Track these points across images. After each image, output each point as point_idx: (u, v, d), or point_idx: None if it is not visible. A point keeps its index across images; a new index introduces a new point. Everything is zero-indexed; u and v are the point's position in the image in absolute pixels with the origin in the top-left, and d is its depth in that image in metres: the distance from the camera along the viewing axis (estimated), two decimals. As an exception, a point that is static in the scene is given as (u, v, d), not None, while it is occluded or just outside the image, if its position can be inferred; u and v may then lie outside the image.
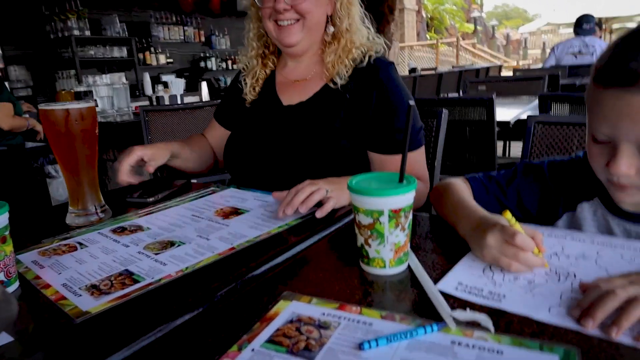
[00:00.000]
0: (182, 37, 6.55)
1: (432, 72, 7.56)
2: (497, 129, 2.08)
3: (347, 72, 1.15)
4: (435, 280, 0.61)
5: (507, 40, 22.35)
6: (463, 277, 0.61)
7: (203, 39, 6.89)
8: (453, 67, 10.38)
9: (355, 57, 1.16)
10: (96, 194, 0.91)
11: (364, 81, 1.14)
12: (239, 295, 0.61)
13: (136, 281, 0.65)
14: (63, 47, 4.98)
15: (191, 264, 0.70)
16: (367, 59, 1.16)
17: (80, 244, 0.80)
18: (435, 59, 13.61)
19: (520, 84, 3.30)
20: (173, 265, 0.69)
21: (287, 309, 0.55)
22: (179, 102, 3.95)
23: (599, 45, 5.10)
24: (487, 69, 8.56)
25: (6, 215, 0.63)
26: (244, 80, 1.28)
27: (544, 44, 19.20)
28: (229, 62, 7.11)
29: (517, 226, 0.62)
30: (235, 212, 0.93)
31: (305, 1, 1.11)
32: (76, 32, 4.89)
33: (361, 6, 1.22)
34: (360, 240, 0.64)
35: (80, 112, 0.86)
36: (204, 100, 4.15)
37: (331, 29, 1.19)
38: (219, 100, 1.53)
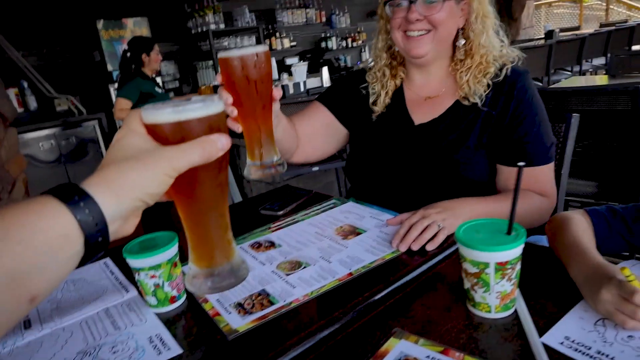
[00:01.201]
0: (305, 20, 6.78)
1: (573, 35, 6.69)
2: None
3: (484, 91, 1.12)
4: (543, 331, 0.63)
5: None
6: (571, 330, 0.63)
7: (324, 19, 7.04)
8: (601, 24, 9.05)
9: (491, 74, 1.13)
10: (273, 146, 0.84)
11: (500, 95, 1.12)
12: (354, 325, 0.71)
13: (272, 302, 0.78)
14: (202, 40, 5.54)
15: (315, 288, 0.81)
16: (503, 72, 1.13)
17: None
18: (579, 16, 11.95)
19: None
20: (300, 288, 0.82)
21: (396, 348, 0.63)
22: (302, 89, 4.17)
23: None
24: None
25: (176, 246, 0.80)
26: (372, 89, 1.27)
27: None
28: (349, 40, 7.19)
29: (636, 283, 0.60)
30: (354, 231, 1.03)
31: (440, 11, 1.09)
32: (212, 26, 5.39)
33: (496, 18, 1.17)
34: (467, 284, 0.69)
35: (256, 55, 0.76)
36: (325, 85, 4.32)
37: (462, 42, 1.16)
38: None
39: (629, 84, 1.81)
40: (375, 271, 0.86)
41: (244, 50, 0.75)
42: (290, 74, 4.55)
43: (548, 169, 1.13)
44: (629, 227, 0.81)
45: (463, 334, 0.65)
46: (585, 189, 2.25)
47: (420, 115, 1.21)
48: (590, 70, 6.12)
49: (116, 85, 4.52)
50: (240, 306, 0.78)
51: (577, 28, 9.28)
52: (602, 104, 1.92)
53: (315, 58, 6.75)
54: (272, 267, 0.91)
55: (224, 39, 5.61)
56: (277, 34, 6.35)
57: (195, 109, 0.46)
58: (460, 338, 0.64)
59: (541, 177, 1.11)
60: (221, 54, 0.76)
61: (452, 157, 1.13)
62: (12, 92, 4.17)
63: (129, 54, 3.60)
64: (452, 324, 0.67)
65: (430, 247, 0.91)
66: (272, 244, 1.02)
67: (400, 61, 1.27)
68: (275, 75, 5.68)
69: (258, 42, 5.99)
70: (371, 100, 1.26)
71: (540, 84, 5.14)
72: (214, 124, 0.47)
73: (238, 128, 0.79)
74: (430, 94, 1.22)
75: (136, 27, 4.84)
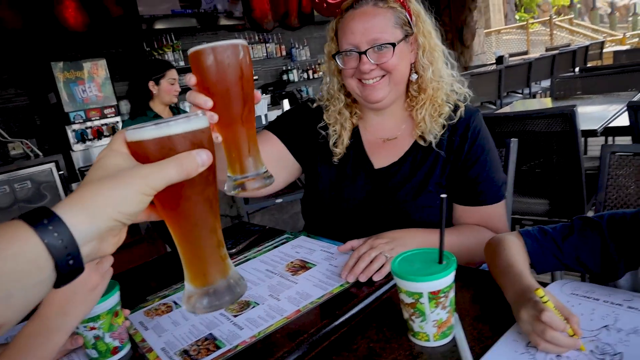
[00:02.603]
0: (265, 54, 6.91)
1: (522, 59, 7.07)
2: (582, 140, 1.94)
3: (440, 130, 1.14)
4: (479, 356, 0.65)
5: (612, 9, 20.02)
6: (505, 354, 0.65)
7: (284, 52, 7.19)
8: (547, 49, 9.61)
9: (446, 115, 1.15)
10: (258, 156, 0.70)
11: (455, 136, 1.14)
12: (300, 364, 0.71)
13: (218, 347, 0.77)
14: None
15: (263, 328, 0.81)
16: (457, 114, 1.15)
17: (175, 303, 0.96)
18: (527, 42, 12.67)
19: (619, 76, 2.98)
20: (248, 329, 0.81)
21: (337, 385, 0.63)
22: (263, 122, 4.21)
23: None
24: (586, 48, 7.82)
25: (117, 294, 0.79)
26: (332, 130, 1.23)
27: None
28: (310, 72, 7.35)
29: (549, 304, 0.63)
30: (304, 266, 1.03)
31: (392, 57, 1.09)
32: (172, 64, 5.41)
33: (445, 50, 1.19)
34: (406, 314, 0.70)
35: (239, 47, 0.63)
36: (286, 117, 4.37)
37: (414, 76, 1.17)
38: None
39: (567, 106, 1.92)
40: (323, 306, 0.86)
41: (223, 42, 0.61)
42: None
43: (500, 207, 1.16)
44: (559, 246, 0.84)
45: (403, 365, 0.66)
46: (538, 207, 2.34)
47: (380, 158, 1.21)
48: (540, 92, 6.45)
49: (74, 127, 4.45)
50: (185, 353, 0.77)
51: (525, 53, 9.82)
52: (543, 126, 2.03)
53: (277, 90, 6.86)
54: (219, 310, 0.90)
55: (183, 76, 5.63)
56: (239, 69, 6.43)
57: (177, 124, 0.45)
58: (400, 369, 0.65)
59: (494, 215, 1.15)
60: (195, 48, 0.62)
61: (414, 203, 1.14)
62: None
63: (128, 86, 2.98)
64: (394, 356, 0.68)
65: (377, 278, 0.92)
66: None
67: (355, 100, 1.25)
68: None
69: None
70: (332, 141, 1.23)
71: (494, 107, 5.38)
72: (197, 140, 0.46)
73: (217, 137, 0.65)
74: (388, 135, 1.22)
75: (94, 68, 4.80)
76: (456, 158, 1.14)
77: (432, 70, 1.15)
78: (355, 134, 1.24)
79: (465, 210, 1.15)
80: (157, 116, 2.86)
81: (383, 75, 1.11)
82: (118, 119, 4.84)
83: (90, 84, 4.71)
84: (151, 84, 2.81)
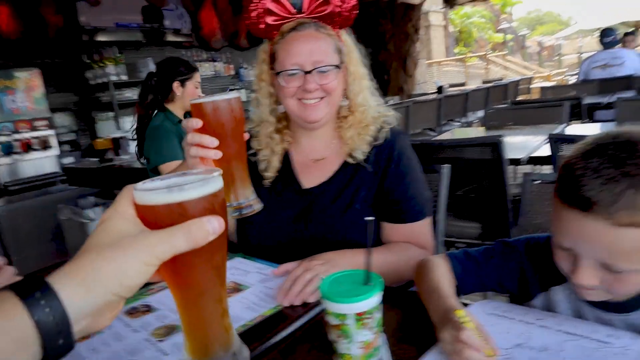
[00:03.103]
0: (213, 73, 6.86)
1: (459, 90, 7.51)
2: (507, 168, 2.08)
3: (367, 148, 1.19)
4: (402, 376, 0.66)
5: (540, 48, 21.83)
6: (427, 373, 0.67)
7: (232, 72, 7.18)
8: (483, 82, 10.27)
9: (372, 133, 1.20)
10: (249, 182, 0.89)
11: (381, 156, 1.20)
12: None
13: (139, 374, 0.73)
14: (101, 91, 5.33)
15: (189, 354, 0.78)
16: (382, 134, 1.21)
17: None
18: (465, 74, 13.48)
19: (545, 110, 3.24)
20: (173, 355, 0.78)
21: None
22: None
23: (627, 55, 4.97)
24: (517, 83, 8.43)
25: None
26: (262, 155, 1.24)
27: (579, 48, 18.64)
28: (258, 93, 7.39)
29: (469, 324, 0.66)
30: (237, 288, 1.01)
31: (333, 80, 1.14)
32: (114, 78, 5.23)
33: (371, 79, 1.25)
34: (332, 336, 0.70)
35: (229, 103, 0.81)
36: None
37: (345, 102, 1.22)
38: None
39: (495, 136, 2.05)
40: (254, 329, 0.85)
41: (225, 95, 0.81)
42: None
43: (426, 224, 1.21)
44: (483, 268, 0.89)
45: (329, 388, 0.66)
46: (470, 230, 2.45)
47: (310, 178, 1.23)
48: (476, 121, 6.85)
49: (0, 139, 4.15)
50: (103, 382, 0.72)
51: (463, 84, 10.43)
52: (475, 154, 2.15)
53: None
54: (145, 334, 0.86)
55: (126, 90, 5.46)
56: (184, 86, 6.33)
57: (192, 188, 0.42)
58: (326, 393, 0.65)
59: (420, 232, 1.20)
60: (203, 100, 0.80)
61: (342, 221, 1.17)
62: None
63: (154, 81, 2.51)
64: (321, 379, 0.68)
65: (312, 300, 0.92)
66: (148, 308, 0.96)
67: (286, 124, 1.27)
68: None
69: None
70: (261, 166, 1.24)
71: (434, 133, 5.63)
72: (210, 205, 0.43)
73: (219, 171, 0.81)
74: (317, 156, 1.25)
75: (26, 77, 4.54)
76: (382, 178, 1.19)
77: (360, 96, 1.22)
78: (285, 156, 1.27)
79: (392, 228, 1.19)
80: (178, 121, 2.49)
81: (322, 97, 1.15)
82: (52, 132, 4.58)
83: (21, 95, 4.44)
84: (176, 84, 2.48)
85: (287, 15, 1.14)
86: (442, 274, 0.86)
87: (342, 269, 0.99)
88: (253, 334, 0.83)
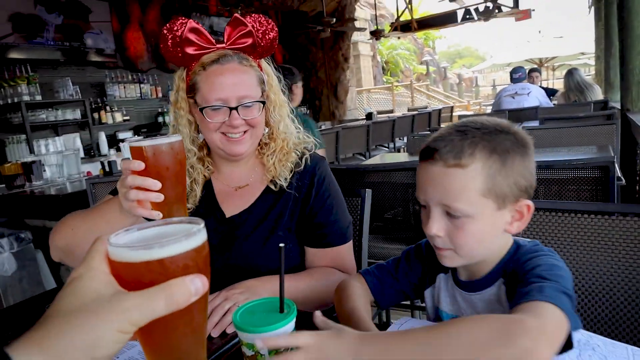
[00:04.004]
0: (139, 95, 6.60)
1: (387, 117, 7.86)
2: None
3: (289, 174, 1.19)
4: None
5: (460, 80, 23.54)
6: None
7: (160, 94, 6.96)
8: (409, 109, 10.83)
9: (294, 160, 1.21)
10: None
11: (303, 182, 1.20)
12: None
13: None
14: (13, 112, 4.93)
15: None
16: (304, 161, 1.21)
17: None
18: (393, 101, 14.15)
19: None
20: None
21: None
22: (132, 165, 3.95)
23: (532, 88, 5.55)
24: (440, 111, 8.97)
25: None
26: None
27: (494, 81, 20.37)
28: (188, 116, 7.20)
29: None
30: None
31: (258, 113, 1.13)
32: (26, 98, 4.86)
33: (290, 107, 1.27)
34: None
35: (172, 146, 0.80)
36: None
37: (266, 129, 1.22)
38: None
39: (415, 161, 2.15)
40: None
41: (167, 138, 0.79)
42: (118, 149, 4.29)
43: (348, 247, 1.23)
44: (395, 276, 0.92)
45: None
46: (398, 252, 2.53)
47: (232, 207, 1.21)
48: (403, 146, 7.18)
49: None
50: None
51: (391, 111, 10.92)
52: (401, 178, 2.24)
53: (152, 132, 6.55)
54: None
55: (41, 112, 5.08)
56: (108, 108, 6.03)
57: (175, 244, 0.37)
58: None
59: (343, 256, 1.21)
60: (146, 142, 0.78)
61: (265, 248, 1.15)
62: None
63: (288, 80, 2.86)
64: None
65: (230, 330, 0.89)
66: None
67: (207, 152, 1.25)
68: (104, 150, 5.30)
69: (84, 116, 5.57)
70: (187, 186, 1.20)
71: (363, 157, 5.81)
72: (193, 262, 0.39)
73: (158, 215, 0.81)
74: (239, 183, 1.23)
75: None
76: (304, 203, 1.20)
77: (282, 124, 1.23)
78: (207, 184, 1.24)
79: (316, 253, 1.19)
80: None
81: (247, 130, 1.14)
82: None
83: None
84: (294, 86, 2.83)
85: (207, 46, 1.11)
86: (358, 296, 0.87)
87: (262, 296, 0.98)
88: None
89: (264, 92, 1.17)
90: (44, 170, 3.71)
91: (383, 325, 0.80)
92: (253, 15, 1.14)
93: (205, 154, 1.24)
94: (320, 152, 2.94)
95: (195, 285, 0.38)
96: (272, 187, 1.20)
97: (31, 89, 4.91)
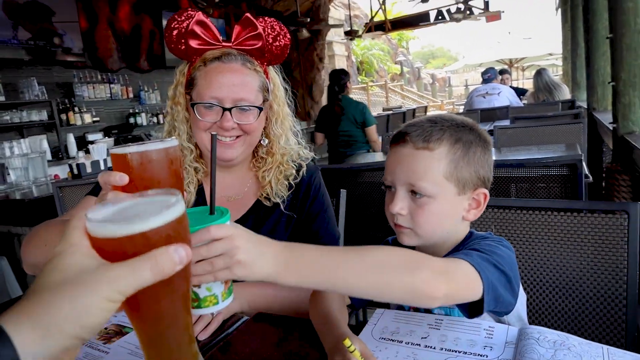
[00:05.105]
0: (109, 95, 6.43)
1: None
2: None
3: (285, 192, 1.15)
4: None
5: (433, 80, 23.89)
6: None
7: (132, 95, 6.80)
8: (384, 109, 10.92)
9: (290, 174, 1.16)
10: None
11: (298, 194, 1.17)
12: None
13: None
14: (-25, 113, 4.73)
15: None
16: (300, 173, 1.18)
17: None
18: (367, 101, 14.25)
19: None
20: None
21: None
22: (102, 167, 3.84)
23: (503, 88, 5.70)
24: (414, 111, 9.07)
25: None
26: None
27: (466, 81, 20.75)
28: (160, 117, 7.05)
29: (356, 353, 0.65)
30: (120, 332, 0.92)
31: (254, 119, 1.08)
32: (-8, 98, 4.67)
33: (293, 119, 1.21)
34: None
35: (166, 153, 0.64)
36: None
37: (265, 141, 1.17)
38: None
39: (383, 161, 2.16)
40: (135, 377, 0.77)
41: (160, 143, 0.62)
42: (87, 151, 4.16)
43: None
44: None
45: None
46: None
47: None
48: (378, 145, 7.23)
49: None
50: None
51: (366, 111, 10.96)
52: (374, 177, 2.25)
53: (124, 133, 6.39)
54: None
55: (4, 113, 4.90)
56: (76, 109, 5.85)
57: (156, 217, 0.37)
58: None
59: None
60: (131, 149, 0.60)
61: None
62: None
63: (343, 79, 4.10)
64: None
65: (202, 337, 0.87)
66: None
67: (200, 154, 1.18)
68: (73, 152, 5.14)
69: (51, 117, 5.39)
70: None
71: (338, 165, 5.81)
72: (175, 233, 0.39)
73: None
74: (231, 194, 1.18)
75: None
76: (299, 214, 1.17)
77: (283, 138, 1.17)
78: (199, 190, 1.17)
79: None
80: None
81: (239, 136, 1.08)
82: None
83: None
84: (348, 82, 4.19)
85: (212, 42, 1.06)
86: (332, 300, 0.86)
87: (240, 302, 0.96)
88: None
89: (266, 101, 1.12)
90: (8, 174, 3.57)
91: (360, 325, 0.79)
92: (266, 18, 1.09)
93: (198, 155, 1.17)
94: (372, 128, 4.24)
95: (179, 254, 0.39)
96: (266, 202, 1.15)
97: (-6, 89, 4.71)
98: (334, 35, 12.24)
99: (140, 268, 0.37)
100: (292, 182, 1.16)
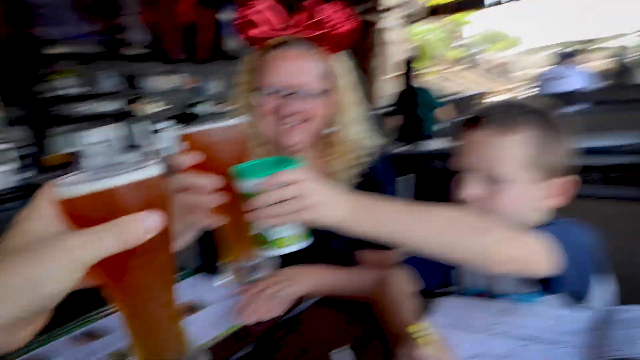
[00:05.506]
0: (173, 85, 6.72)
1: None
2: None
3: (351, 181, 1.13)
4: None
5: (492, 65, 22.82)
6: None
7: (193, 85, 7.06)
8: (443, 95, 10.58)
9: (358, 165, 1.14)
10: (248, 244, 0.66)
11: (364, 183, 1.14)
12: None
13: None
14: (56, 105, 5.12)
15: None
16: (367, 164, 1.15)
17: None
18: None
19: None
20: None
21: None
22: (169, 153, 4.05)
23: (573, 71, 5.34)
24: (474, 96, 8.75)
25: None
26: None
27: (529, 65, 19.64)
28: (221, 106, 7.28)
29: (425, 339, 0.64)
30: (195, 307, 0.98)
31: (314, 106, 1.06)
32: (70, 90, 5.04)
33: (363, 106, 1.17)
34: (256, 229, 0.62)
35: (234, 131, 0.63)
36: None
37: (330, 130, 1.14)
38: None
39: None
40: (213, 349, 0.82)
41: (227, 122, 0.61)
42: (155, 140, 4.40)
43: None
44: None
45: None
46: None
47: None
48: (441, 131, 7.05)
49: None
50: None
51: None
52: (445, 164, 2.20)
53: (185, 123, 6.66)
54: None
55: (82, 104, 5.26)
56: (144, 99, 6.17)
57: (123, 173, 0.36)
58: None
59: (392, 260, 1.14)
60: (197, 129, 0.61)
61: (323, 249, 1.07)
62: None
63: (411, 64, 4.62)
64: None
65: (266, 317, 0.90)
66: (94, 335, 0.91)
67: (263, 141, 1.16)
68: (141, 141, 5.44)
69: (121, 107, 5.73)
70: None
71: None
72: (146, 195, 0.38)
73: (221, 220, 0.63)
74: None
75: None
76: None
77: (348, 127, 1.14)
78: None
79: (371, 255, 1.12)
80: None
81: (301, 121, 1.08)
82: (8, 146, 4.37)
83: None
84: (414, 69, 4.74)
85: (276, 29, 1.07)
86: (400, 285, 0.86)
87: (304, 285, 0.98)
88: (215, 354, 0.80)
89: (330, 88, 1.10)
90: (85, 162, 3.85)
91: (426, 311, 0.78)
92: (332, 3, 1.08)
93: (261, 142, 1.16)
94: (441, 110, 4.72)
95: (147, 222, 0.37)
96: None
97: (72, 81, 5.07)
98: (390, 22, 11.99)
99: (102, 235, 0.35)
100: (358, 171, 1.15)
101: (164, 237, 0.40)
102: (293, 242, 0.63)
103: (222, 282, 0.69)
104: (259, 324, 0.89)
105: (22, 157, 4.58)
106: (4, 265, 0.33)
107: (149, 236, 0.37)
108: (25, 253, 0.34)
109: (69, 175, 0.38)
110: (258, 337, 0.84)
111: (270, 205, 0.57)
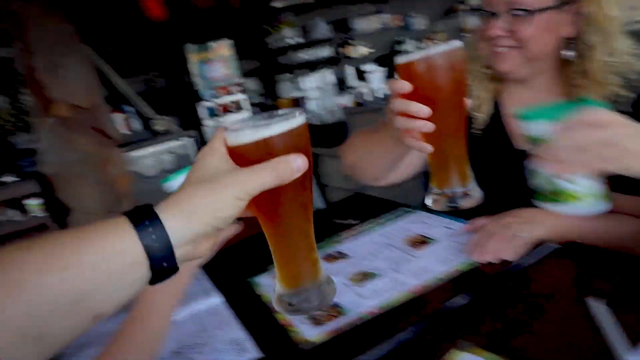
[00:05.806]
0: (380, 25, 6.77)
1: None
2: None
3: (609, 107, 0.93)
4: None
5: None
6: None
7: (400, 22, 6.97)
8: None
9: (615, 92, 0.92)
10: (466, 169, 0.69)
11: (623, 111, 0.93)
12: (420, 336, 0.71)
13: (341, 313, 0.81)
14: (280, 55, 5.78)
15: (386, 299, 0.82)
16: (627, 91, 0.92)
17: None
18: None
19: None
20: (371, 300, 0.83)
21: (462, 362, 0.62)
22: (380, 95, 4.17)
23: None
24: None
25: None
26: (473, 93, 1.09)
27: None
28: (427, 42, 7.04)
29: None
30: (424, 241, 1.02)
31: (529, 26, 0.92)
32: (290, 41, 5.60)
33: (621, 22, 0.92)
34: (545, 182, 0.60)
35: (448, 58, 0.62)
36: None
37: (571, 54, 0.96)
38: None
39: None
40: (448, 282, 0.85)
41: (441, 47, 0.61)
42: (365, 81, 4.57)
43: None
44: None
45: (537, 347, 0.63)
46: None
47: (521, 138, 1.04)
48: None
49: (205, 104, 4.86)
50: (312, 317, 0.82)
51: None
52: None
53: (392, 63, 6.70)
54: (342, 279, 0.93)
55: (301, 52, 5.80)
56: (353, 42, 6.42)
57: (275, 125, 0.45)
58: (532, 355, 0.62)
59: None
60: (411, 57, 0.62)
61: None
62: (120, 117, 4.66)
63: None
64: (520, 340, 0.65)
65: (509, 258, 0.87)
66: (341, 255, 1.04)
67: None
68: (352, 83, 5.74)
69: (334, 52, 6.09)
70: (472, 104, 1.07)
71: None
72: (294, 142, 0.46)
73: (427, 148, 0.67)
74: None
75: (221, 48, 5.18)
76: None
77: (603, 50, 0.92)
78: (496, 106, 1.11)
79: (628, 200, 0.90)
80: None
81: (514, 47, 0.95)
82: (244, 96, 5.20)
83: (218, 64, 5.10)
84: None
85: None
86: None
87: (544, 229, 0.90)
88: (449, 287, 0.83)
89: (565, 3, 0.91)
90: (309, 104, 4.29)
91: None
92: None
93: (486, 65, 1.07)
94: None
95: (297, 162, 0.44)
96: None
97: (291, 32, 5.61)
98: None
99: (262, 172, 0.43)
100: (615, 107, 0.90)
101: (307, 177, 0.47)
102: (588, 199, 0.57)
103: (428, 204, 0.71)
104: (490, 265, 0.87)
105: (253, 105, 5.40)
106: (192, 192, 0.43)
107: (298, 174, 0.45)
108: (207, 184, 0.43)
109: (240, 122, 0.48)
110: (482, 283, 0.83)
111: (570, 151, 0.52)
